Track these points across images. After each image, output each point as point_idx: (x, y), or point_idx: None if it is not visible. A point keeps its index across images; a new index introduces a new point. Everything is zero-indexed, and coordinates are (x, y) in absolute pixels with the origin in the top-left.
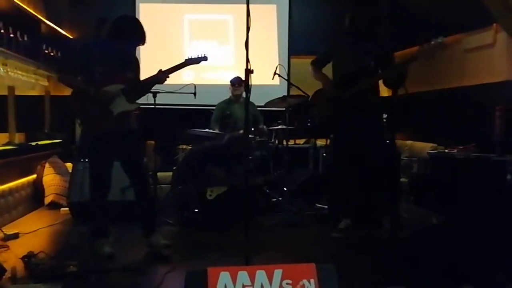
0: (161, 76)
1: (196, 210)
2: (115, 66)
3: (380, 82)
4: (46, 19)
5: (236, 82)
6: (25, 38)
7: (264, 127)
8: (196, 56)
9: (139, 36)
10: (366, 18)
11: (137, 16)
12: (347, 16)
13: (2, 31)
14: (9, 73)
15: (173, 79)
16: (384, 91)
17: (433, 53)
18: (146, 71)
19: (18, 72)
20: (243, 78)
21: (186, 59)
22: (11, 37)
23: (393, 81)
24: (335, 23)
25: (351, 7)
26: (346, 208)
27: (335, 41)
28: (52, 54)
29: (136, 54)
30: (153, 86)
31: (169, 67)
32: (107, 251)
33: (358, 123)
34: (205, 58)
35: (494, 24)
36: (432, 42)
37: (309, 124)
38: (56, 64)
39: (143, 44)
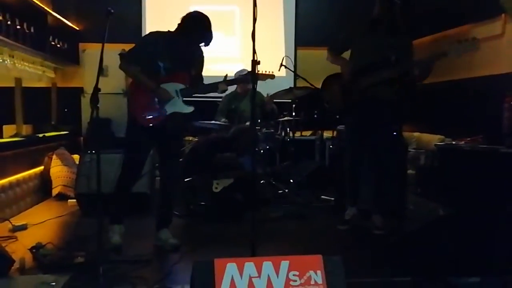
0: (222, 87)
1: (202, 203)
2: (180, 63)
3: None
4: (53, 11)
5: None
6: (32, 30)
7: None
8: (264, 72)
9: (208, 36)
10: (396, 11)
11: (142, 7)
12: (377, 5)
13: (8, 22)
14: (16, 64)
15: None
16: None
17: (464, 52)
18: None
19: (25, 63)
20: (250, 70)
21: (247, 72)
22: (18, 28)
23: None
24: (341, 13)
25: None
26: (352, 197)
27: (357, 29)
28: (58, 45)
29: None
30: (209, 92)
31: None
32: (116, 241)
33: (374, 113)
34: (272, 76)
35: (503, 15)
36: (467, 41)
37: (315, 115)
38: (125, 54)
39: (207, 44)
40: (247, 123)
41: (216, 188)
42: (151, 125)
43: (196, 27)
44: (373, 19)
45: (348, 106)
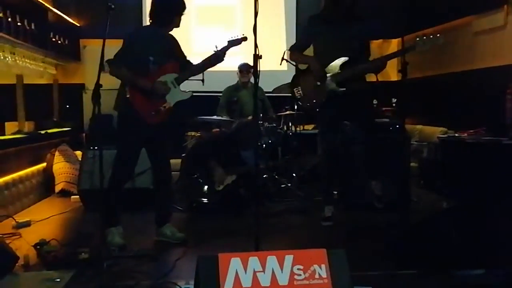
0: (220, 57)
1: (205, 200)
2: (166, 53)
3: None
4: (53, 7)
5: (244, 69)
6: (33, 27)
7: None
8: (236, 37)
9: (175, 11)
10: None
11: (143, 2)
12: None
13: (9, 19)
14: (17, 61)
15: None
16: (394, 76)
17: (427, 47)
18: None
19: (26, 60)
20: (251, 64)
21: (228, 41)
22: (19, 25)
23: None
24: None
25: None
26: (327, 195)
27: (315, 25)
28: (59, 42)
29: None
30: (205, 69)
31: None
32: (119, 242)
33: (346, 108)
34: (245, 39)
35: (505, 6)
36: (431, 37)
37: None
38: (113, 59)
39: (181, 12)
40: (250, 117)
41: (219, 186)
42: (155, 120)
43: (163, 11)
44: (322, 11)
45: (322, 102)
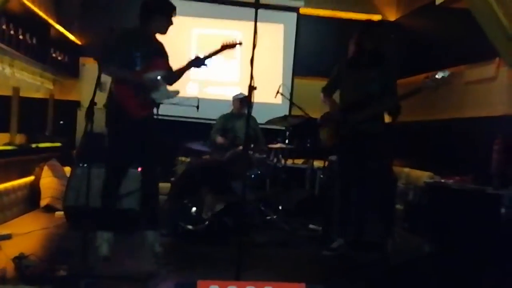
0: (198, 63)
1: (190, 226)
2: (153, 50)
3: None
4: (56, 23)
5: (239, 101)
6: (34, 41)
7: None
8: (231, 42)
9: (164, 16)
10: (371, 44)
11: None
12: (351, 42)
13: (11, 32)
14: (15, 74)
15: None
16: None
17: (437, 87)
18: None
19: (24, 73)
20: (246, 95)
21: (222, 45)
22: (20, 39)
23: (393, 111)
24: (340, 46)
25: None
26: (341, 228)
27: (340, 68)
28: (59, 58)
29: None
30: (186, 71)
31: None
32: (105, 252)
33: (361, 148)
34: (240, 43)
35: (497, 58)
36: (437, 76)
37: (308, 145)
38: (99, 55)
39: (167, 13)
40: (241, 147)
41: (207, 213)
42: (142, 115)
43: (152, 11)
44: (349, 58)
45: (338, 142)
